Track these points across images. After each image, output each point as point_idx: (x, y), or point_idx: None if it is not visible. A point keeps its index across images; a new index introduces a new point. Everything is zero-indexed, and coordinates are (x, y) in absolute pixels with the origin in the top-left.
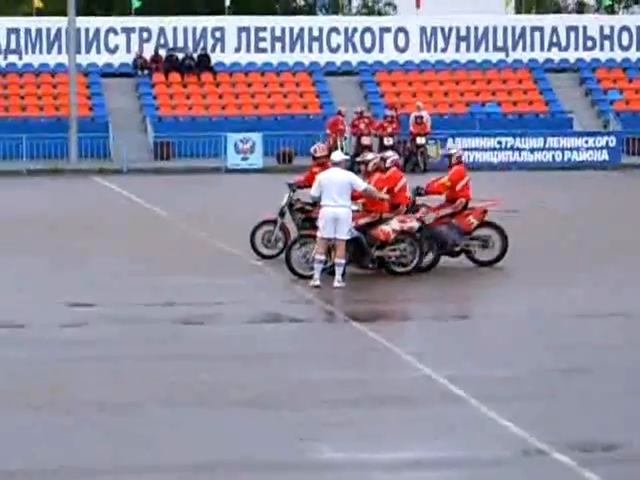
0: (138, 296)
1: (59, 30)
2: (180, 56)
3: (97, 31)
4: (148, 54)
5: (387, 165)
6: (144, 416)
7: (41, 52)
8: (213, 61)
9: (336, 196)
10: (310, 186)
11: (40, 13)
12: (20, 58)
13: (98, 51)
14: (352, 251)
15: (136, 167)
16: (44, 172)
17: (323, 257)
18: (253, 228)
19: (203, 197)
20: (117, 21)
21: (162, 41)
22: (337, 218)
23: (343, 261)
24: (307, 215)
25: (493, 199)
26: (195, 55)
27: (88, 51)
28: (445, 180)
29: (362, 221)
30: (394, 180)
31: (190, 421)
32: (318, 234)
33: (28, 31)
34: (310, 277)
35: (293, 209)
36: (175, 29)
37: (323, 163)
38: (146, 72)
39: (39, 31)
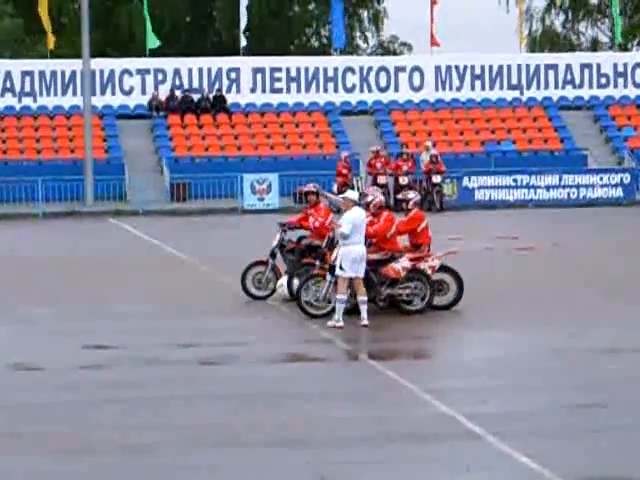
0: (157, 338)
1: (73, 72)
2: (195, 97)
3: (112, 73)
4: (163, 95)
5: (410, 207)
6: (167, 458)
7: (56, 94)
8: (229, 102)
9: (360, 235)
10: (301, 227)
11: (54, 55)
12: (35, 100)
13: (113, 93)
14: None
15: (152, 209)
16: (60, 215)
17: (345, 297)
18: (244, 269)
19: (220, 238)
20: (132, 62)
21: (177, 82)
22: (362, 257)
23: (366, 298)
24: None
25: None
26: (210, 96)
27: (103, 93)
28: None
29: (372, 257)
30: (417, 221)
31: (212, 462)
32: (341, 273)
33: (42, 73)
34: (322, 316)
35: (284, 250)
36: (190, 70)
37: (315, 202)
38: (161, 113)
39: (54, 73)
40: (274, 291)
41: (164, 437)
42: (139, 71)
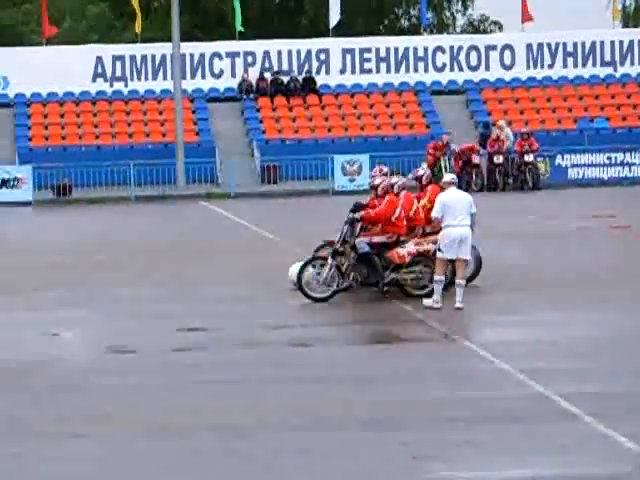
0: (249, 319)
1: (164, 56)
2: (285, 79)
3: (202, 56)
4: (253, 78)
5: (395, 191)
6: (260, 441)
7: (146, 78)
8: (318, 83)
9: (460, 216)
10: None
11: (144, 39)
12: (126, 85)
13: (203, 76)
14: (365, 272)
15: (243, 191)
16: (152, 198)
17: (443, 277)
18: (314, 250)
19: (311, 220)
20: (221, 46)
21: (267, 64)
22: (463, 238)
23: (464, 282)
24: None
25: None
26: (300, 78)
27: (193, 76)
28: (425, 202)
29: (377, 239)
30: (408, 204)
31: (305, 445)
32: (439, 255)
33: (133, 58)
34: (323, 300)
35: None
36: (280, 52)
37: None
38: (251, 96)
39: (144, 57)
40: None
41: (257, 420)
42: (229, 54)
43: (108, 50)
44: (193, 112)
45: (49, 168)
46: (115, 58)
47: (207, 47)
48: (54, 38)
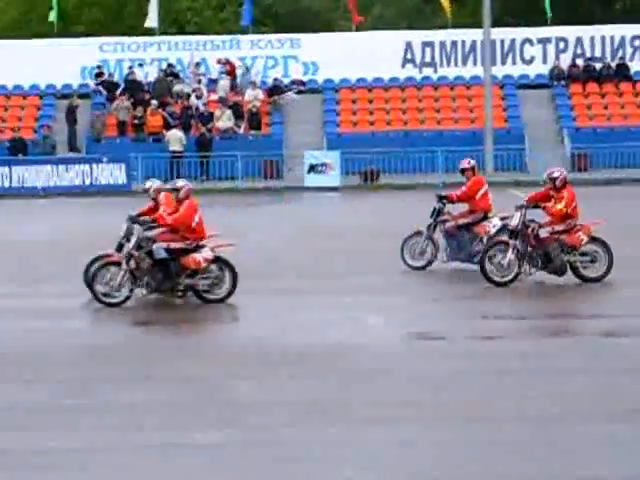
0: (555, 309)
1: (474, 42)
2: (598, 66)
3: (512, 42)
4: (565, 64)
5: (180, 196)
6: (567, 429)
7: (456, 64)
8: (632, 70)
9: None
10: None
11: (454, 25)
12: (435, 71)
13: (513, 62)
14: (160, 277)
15: None
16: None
17: None
18: (403, 240)
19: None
20: (533, 32)
21: (579, 51)
22: None
23: None
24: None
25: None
26: (613, 64)
27: (503, 62)
28: (562, 206)
29: (175, 245)
30: (191, 212)
31: (612, 432)
32: None
33: (443, 44)
34: (118, 304)
35: (439, 220)
36: (592, 38)
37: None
38: (563, 83)
39: (454, 43)
40: (430, 262)
41: (562, 408)
42: (540, 40)
43: (418, 36)
44: (503, 99)
45: (356, 154)
46: (425, 44)
47: (518, 33)
48: (363, 24)
